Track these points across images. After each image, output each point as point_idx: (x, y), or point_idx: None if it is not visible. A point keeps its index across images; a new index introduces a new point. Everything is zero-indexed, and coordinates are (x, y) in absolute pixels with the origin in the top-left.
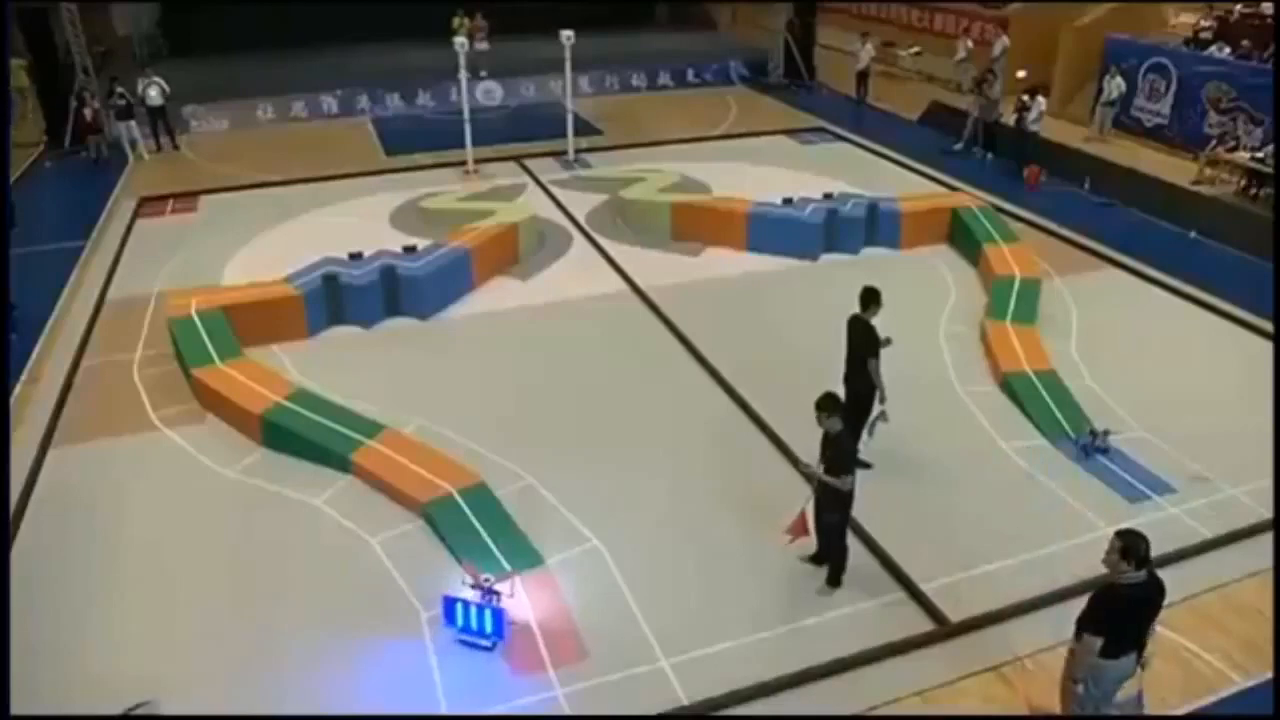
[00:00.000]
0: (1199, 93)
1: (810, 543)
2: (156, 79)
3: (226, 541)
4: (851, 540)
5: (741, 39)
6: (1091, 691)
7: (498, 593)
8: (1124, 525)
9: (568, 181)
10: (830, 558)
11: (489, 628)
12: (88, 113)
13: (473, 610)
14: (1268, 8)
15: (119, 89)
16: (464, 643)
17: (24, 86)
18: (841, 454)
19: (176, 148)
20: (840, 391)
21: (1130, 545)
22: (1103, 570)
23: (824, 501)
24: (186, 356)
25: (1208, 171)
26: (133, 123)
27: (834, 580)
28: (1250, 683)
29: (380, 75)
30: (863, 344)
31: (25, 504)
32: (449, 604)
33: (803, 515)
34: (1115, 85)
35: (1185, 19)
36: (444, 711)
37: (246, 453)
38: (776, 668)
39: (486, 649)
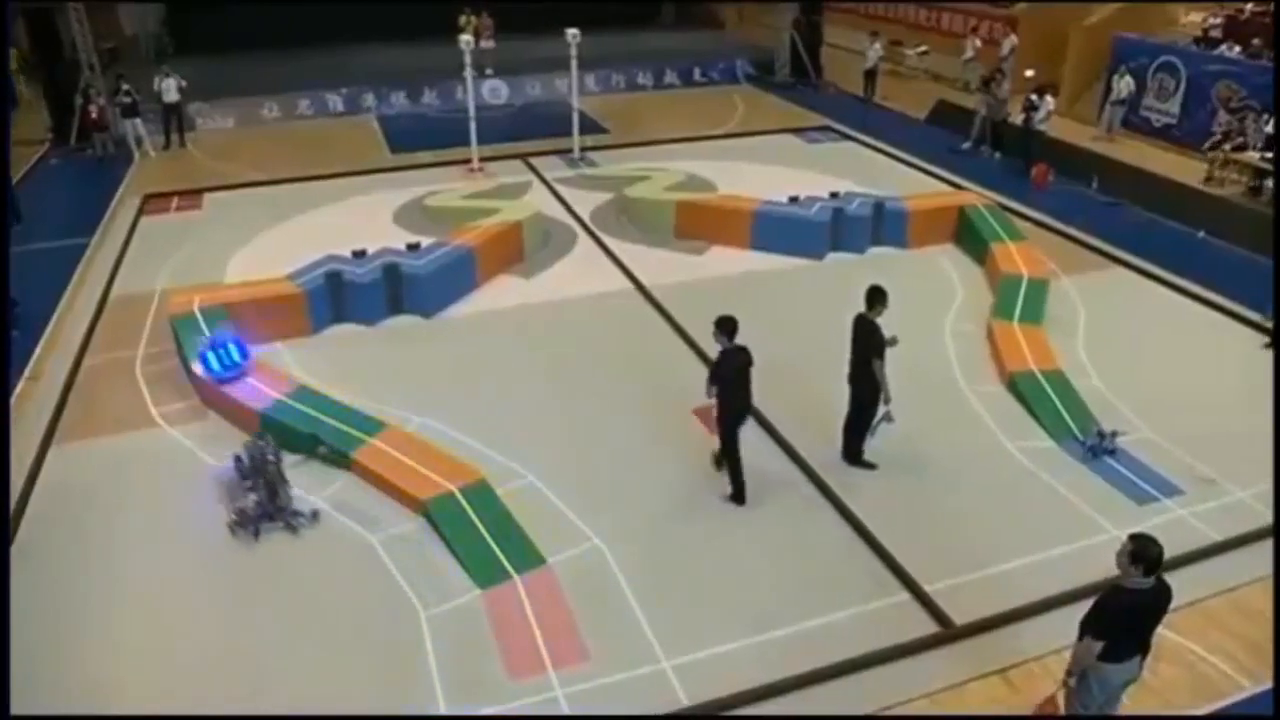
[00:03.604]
0: (1209, 92)
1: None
2: (173, 75)
3: (226, 540)
4: (854, 541)
5: (748, 38)
6: (1096, 695)
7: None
8: (1131, 527)
9: (573, 179)
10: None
11: (237, 356)
12: (93, 110)
13: (220, 352)
14: None
15: (125, 86)
16: (224, 380)
17: (15, 70)
18: (711, 368)
19: (183, 145)
20: (846, 392)
21: (1140, 550)
22: (1109, 572)
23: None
24: (189, 354)
25: (1218, 173)
26: (138, 120)
27: (735, 498)
28: (1259, 689)
29: (386, 73)
30: (867, 344)
31: (26, 501)
32: (204, 359)
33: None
34: (1125, 84)
35: (1194, 18)
36: (443, 712)
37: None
38: (778, 670)
39: (241, 370)
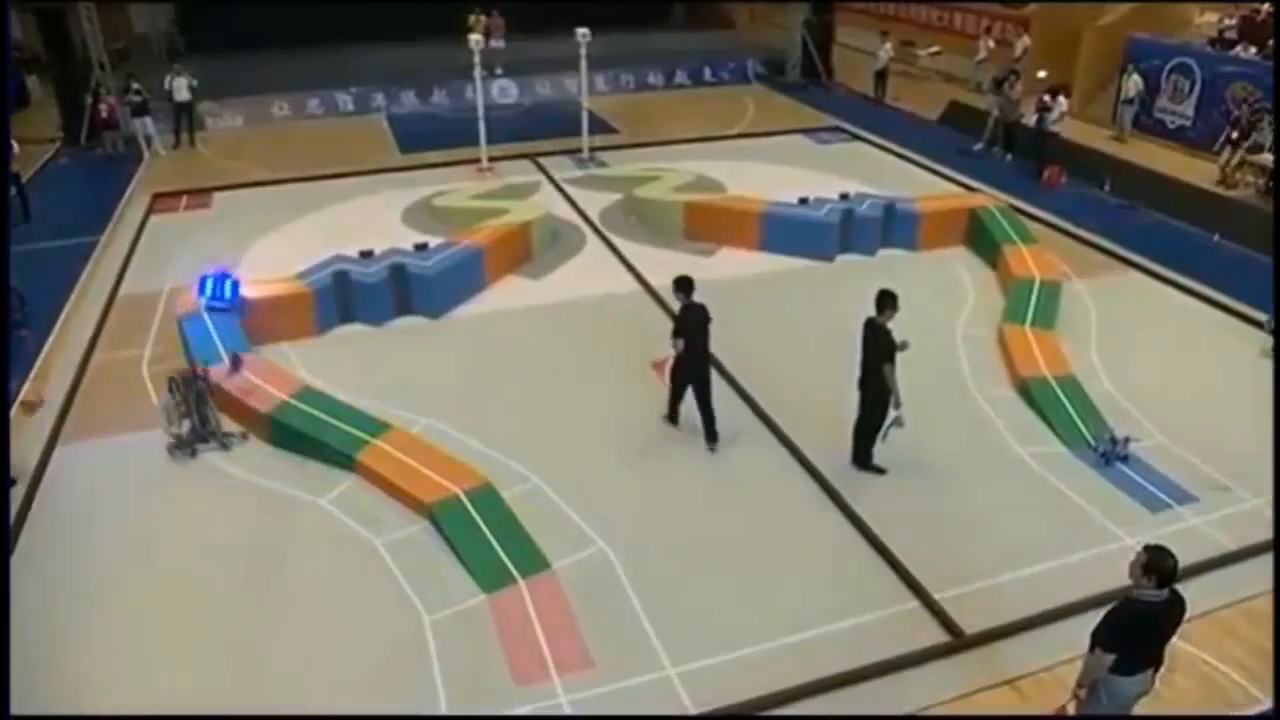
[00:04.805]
0: (1224, 93)
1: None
2: (184, 74)
3: (230, 541)
4: (862, 547)
5: (759, 38)
6: (1106, 706)
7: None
8: (1144, 535)
9: (582, 180)
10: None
11: (229, 294)
12: (103, 109)
13: (218, 283)
14: None
15: (135, 85)
16: (211, 308)
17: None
18: (675, 322)
19: (193, 144)
20: (855, 395)
21: (1153, 561)
22: (1122, 582)
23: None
24: (195, 354)
25: (1234, 175)
26: (148, 119)
27: (708, 437)
28: (1272, 700)
29: (395, 73)
30: (877, 348)
31: (30, 500)
32: (201, 281)
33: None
34: (1133, 83)
35: (1209, 19)
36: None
37: (253, 451)
38: (784, 678)
39: (226, 310)
